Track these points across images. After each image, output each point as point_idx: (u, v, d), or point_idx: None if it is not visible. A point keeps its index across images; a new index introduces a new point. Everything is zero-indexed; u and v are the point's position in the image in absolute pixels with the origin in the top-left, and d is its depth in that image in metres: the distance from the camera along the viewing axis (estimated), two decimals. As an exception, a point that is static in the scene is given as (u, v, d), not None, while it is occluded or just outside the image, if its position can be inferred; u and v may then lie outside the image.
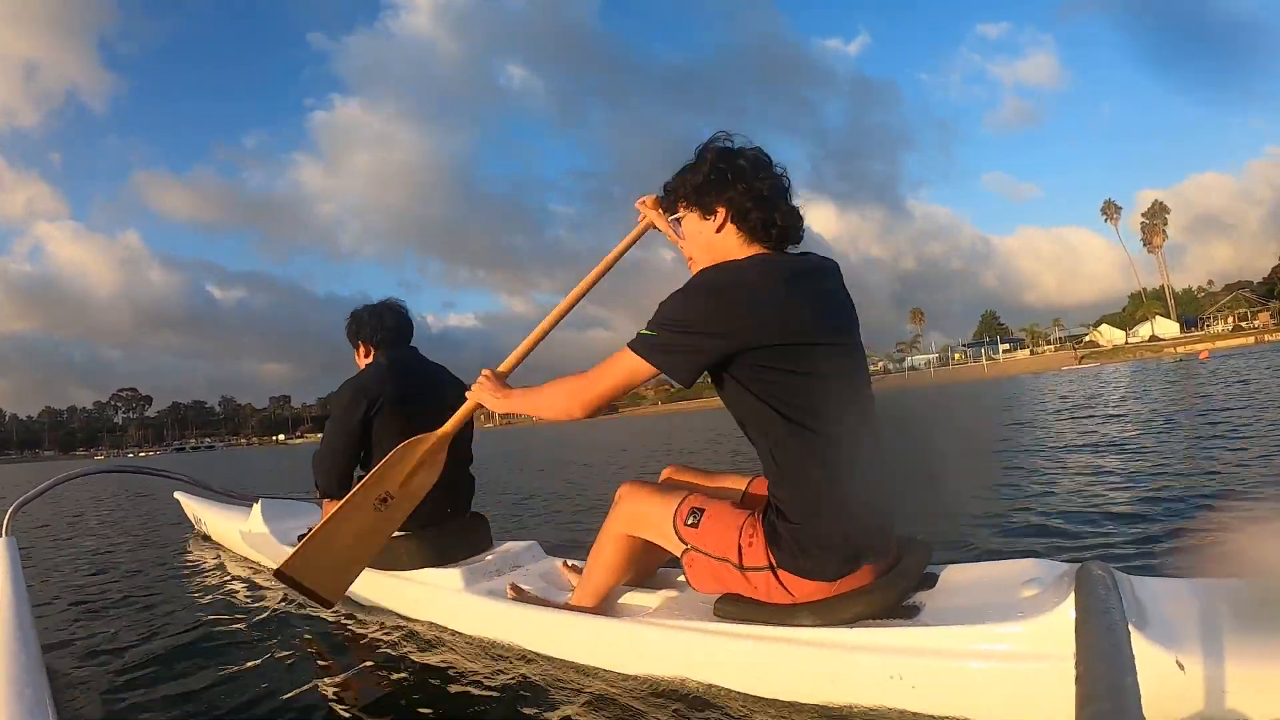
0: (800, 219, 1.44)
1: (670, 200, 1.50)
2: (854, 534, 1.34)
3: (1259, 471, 3.62)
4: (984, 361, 64.77)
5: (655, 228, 1.81)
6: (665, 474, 1.80)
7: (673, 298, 1.34)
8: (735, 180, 1.38)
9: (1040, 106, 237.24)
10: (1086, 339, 68.68)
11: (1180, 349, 46.45)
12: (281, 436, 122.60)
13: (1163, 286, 71.94)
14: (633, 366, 1.36)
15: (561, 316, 1.86)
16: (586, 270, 1.89)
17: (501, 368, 1.79)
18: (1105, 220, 75.02)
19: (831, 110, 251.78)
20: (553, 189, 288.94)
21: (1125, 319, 71.27)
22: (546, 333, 1.86)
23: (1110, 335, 65.53)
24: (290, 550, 2.79)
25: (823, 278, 1.43)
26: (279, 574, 1.74)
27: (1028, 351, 70.50)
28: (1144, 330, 63.00)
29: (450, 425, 1.89)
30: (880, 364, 77.96)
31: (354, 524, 1.79)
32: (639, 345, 1.35)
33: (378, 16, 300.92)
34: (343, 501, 1.81)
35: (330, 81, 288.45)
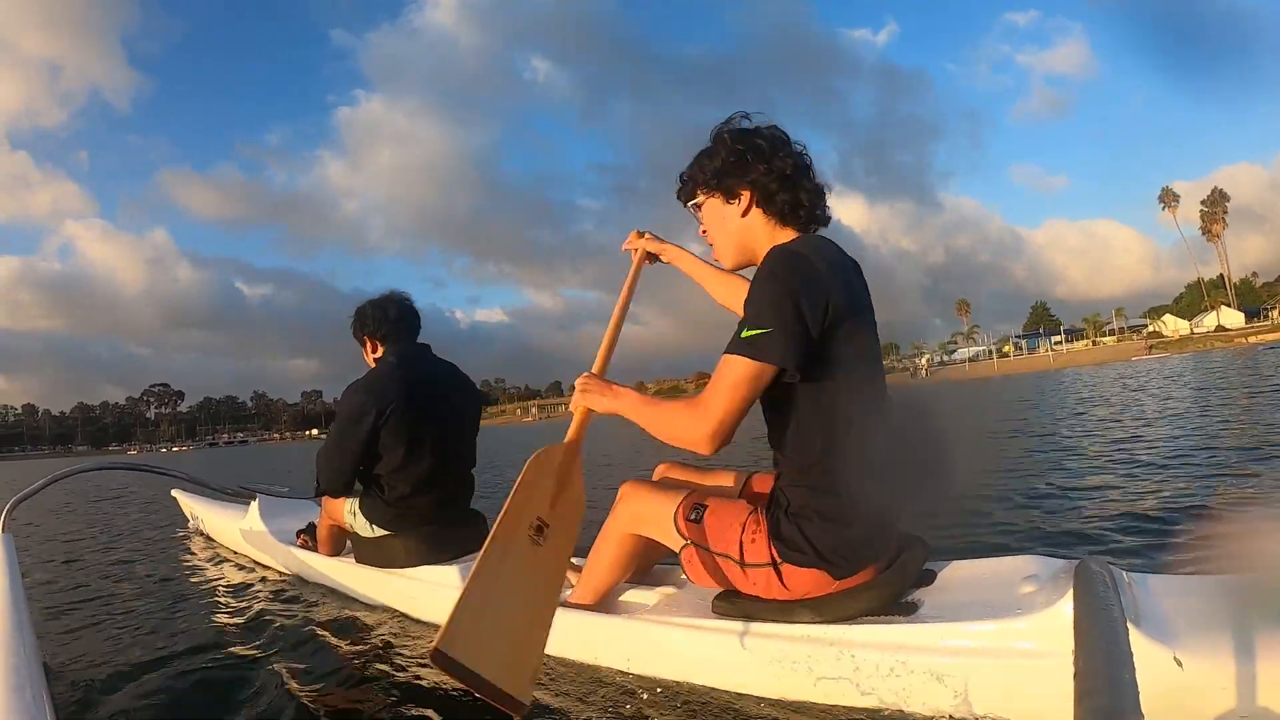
0: (823, 197, 1.40)
1: (689, 187, 1.45)
2: (865, 533, 1.33)
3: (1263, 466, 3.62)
4: (1048, 353, 63.32)
5: (651, 261, 1.79)
6: (660, 471, 1.81)
7: (757, 291, 1.25)
8: (756, 161, 1.34)
9: (1069, 96, 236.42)
10: (1150, 329, 66.57)
11: (1251, 338, 45.08)
12: (314, 431, 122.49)
13: (1221, 276, 70.54)
14: (750, 373, 1.22)
15: (610, 349, 1.63)
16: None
17: (595, 369, 1.55)
18: (1164, 208, 74.27)
19: (859, 100, 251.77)
20: (578, 183, 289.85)
21: (1184, 309, 69.72)
22: (610, 346, 1.63)
23: (1175, 325, 63.86)
24: (289, 549, 2.82)
25: (858, 272, 1.40)
26: (436, 656, 1.07)
27: (1087, 342, 69.04)
28: (1209, 320, 61.46)
29: (573, 432, 1.49)
30: (927, 357, 77.22)
31: (515, 572, 1.25)
32: (748, 347, 1.22)
33: (400, 12, 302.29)
34: (485, 546, 1.25)
35: (353, 77, 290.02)
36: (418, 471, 2.19)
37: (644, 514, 1.58)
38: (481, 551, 1.23)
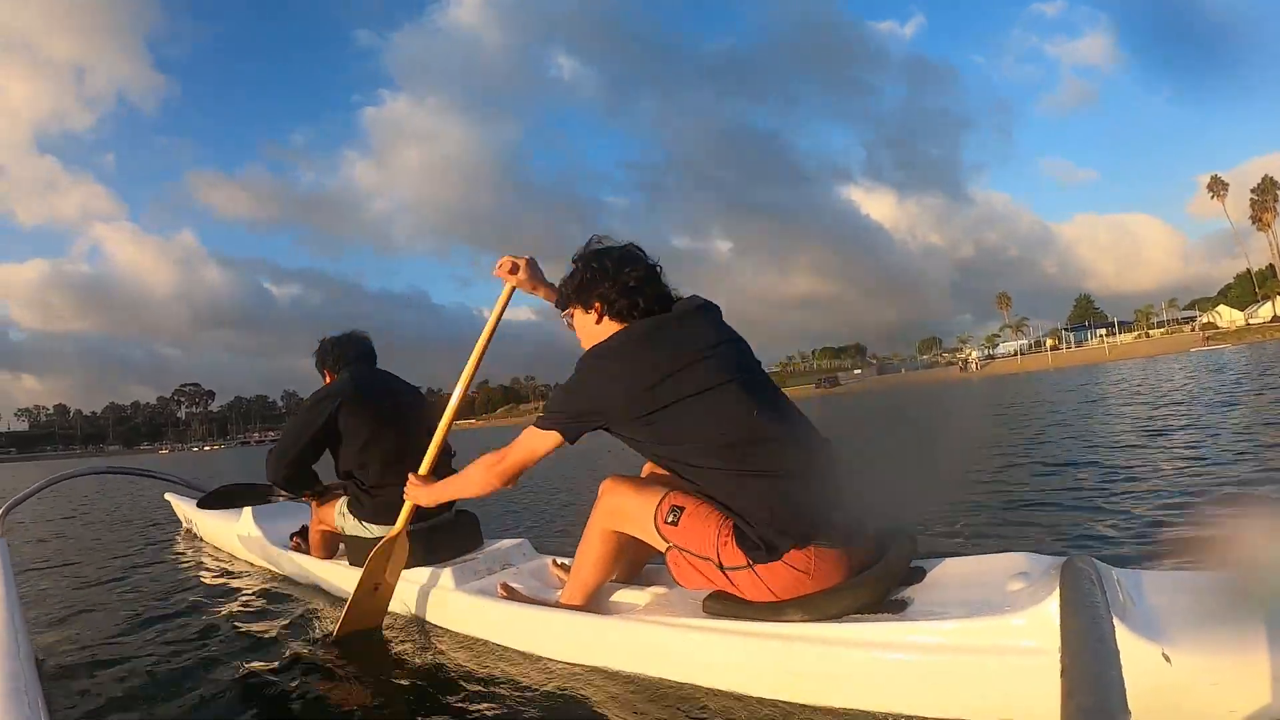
0: (668, 294, 1.64)
1: (562, 301, 1.71)
2: (796, 516, 1.39)
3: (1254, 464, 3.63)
4: (1102, 345, 63.05)
5: (521, 289, 1.97)
6: (647, 468, 1.80)
7: (559, 387, 1.62)
8: (603, 279, 1.60)
9: (1097, 87, 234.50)
10: (1204, 320, 65.76)
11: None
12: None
13: (1271, 266, 69.61)
14: (537, 441, 1.61)
15: (457, 407, 2.06)
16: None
17: (422, 470, 2.03)
18: (1212, 196, 74.58)
19: (887, 94, 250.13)
20: (604, 180, 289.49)
21: (1234, 300, 68.93)
22: (449, 425, 2.05)
23: (1230, 316, 63.29)
24: (282, 552, 2.83)
25: (701, 318, 1.59)
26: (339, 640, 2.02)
27: (1138, 333, 68.60)
28: (1263, 311, 60.63)
29: (401, 523, 2.05)
30: (972, 352, 76.46)
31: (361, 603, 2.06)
32: (540, 423, 1.60)
33: (424, 11, 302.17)
34: (349, 601, 2.03)
35: (378, 77, 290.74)
36: (385, 449, 2.30)
37: (623, 512, 1.62)
38: (344, 611, 2.03)
